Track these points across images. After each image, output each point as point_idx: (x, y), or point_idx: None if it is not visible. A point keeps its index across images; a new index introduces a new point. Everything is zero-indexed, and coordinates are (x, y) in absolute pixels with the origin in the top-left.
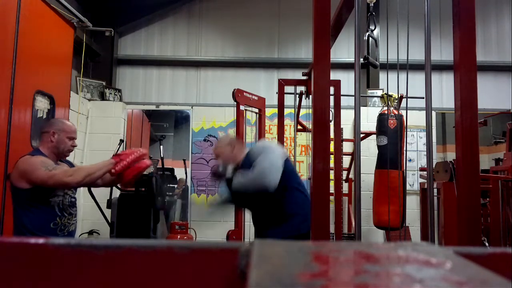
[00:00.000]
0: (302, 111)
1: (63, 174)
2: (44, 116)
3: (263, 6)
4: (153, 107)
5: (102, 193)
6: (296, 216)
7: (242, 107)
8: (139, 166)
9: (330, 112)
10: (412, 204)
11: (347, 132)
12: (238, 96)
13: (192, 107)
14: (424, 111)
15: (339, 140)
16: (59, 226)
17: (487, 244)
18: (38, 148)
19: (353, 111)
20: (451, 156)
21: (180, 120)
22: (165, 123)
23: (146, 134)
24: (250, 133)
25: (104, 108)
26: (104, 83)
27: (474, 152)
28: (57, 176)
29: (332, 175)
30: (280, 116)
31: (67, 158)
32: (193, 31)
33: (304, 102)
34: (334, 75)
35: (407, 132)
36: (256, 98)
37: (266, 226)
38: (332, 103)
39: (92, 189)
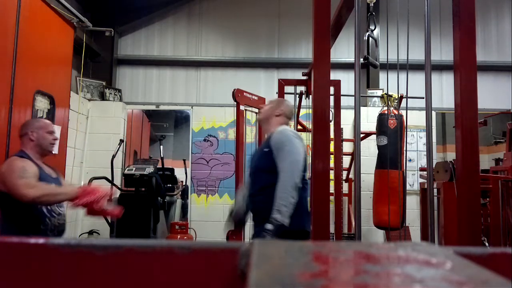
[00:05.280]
0: (302, 111)
1: (25, 184)
2: (44, 116)
3: (263, 6)
4: (153, 107)
5: None
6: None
7: (242, 107)
8: (98, 206)
9: (330, 112)
10: (412, 204)
11: (347, 132)
12: (238, 96)
13: (192, 107)
14: (424, 111)
15: (339, 140)
16: (49, 227)
17: (487, 244)
18: (22, 149)
19: (353, 111)
20: (451, 156)
21: (180, 120)
22: (165, 123)
23: (146, 134)
24: (250, 133)
25: (104, 108)
26: (104, 83)
27: (474, 152)
28: (18, 185)
29: (332, 175)
30: None
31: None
32: (193, 31)
33: (304, 102)
34: (334, 75)
35: (407, 132)
36: (256, 98)
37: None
38: (332, 103)
39: None
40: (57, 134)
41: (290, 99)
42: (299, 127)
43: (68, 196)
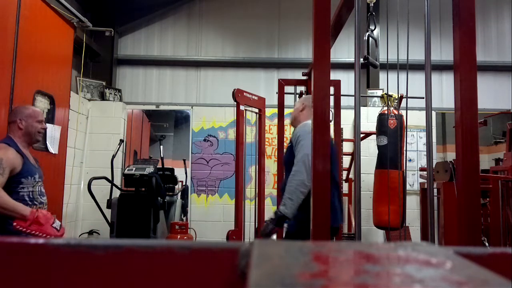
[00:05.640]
0: None
1: None
2: (44, 116)
3: (263, 6)
4: (153, 107)
5: (102, 193)
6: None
7: (242, 107)
8: (44, 231)
9: (330, 112)
10: (412, 204)
11: (347, 132)
12: (238, 96)
13: (192, 107)
14: (424, 111)
15: (339, 140)
16: None
17: (487, 244)
18: (9, 135)
19: (353, 111)
20: (451, 156)
21: (180, 120)
22: (165, 123)
23: (146, 134)
24: (250, 133)
25: (104, 108)
26: (104, 83)
27: (474, 152)
28: None
29: None
30: (280, 116)
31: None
32: (193, 31)
33: None
34: (334, 75)
35: (407, 132)
36: (256, 98)
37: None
38: (332, 103)
39: (92, 189)
40: (57, 134)
41: (290, 99)
42: None
43: (18, 215)
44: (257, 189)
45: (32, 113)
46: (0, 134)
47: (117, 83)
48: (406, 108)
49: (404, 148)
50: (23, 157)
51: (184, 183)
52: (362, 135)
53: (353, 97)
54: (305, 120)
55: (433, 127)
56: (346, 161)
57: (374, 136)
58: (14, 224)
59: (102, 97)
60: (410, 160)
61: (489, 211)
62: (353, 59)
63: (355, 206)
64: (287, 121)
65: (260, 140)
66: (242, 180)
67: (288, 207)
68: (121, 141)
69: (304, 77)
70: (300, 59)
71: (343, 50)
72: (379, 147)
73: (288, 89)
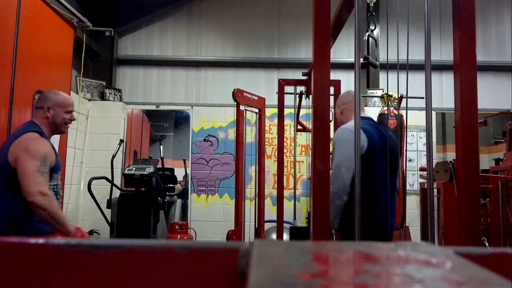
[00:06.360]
0: (302, 111)
1: (40, 185)
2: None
3: (263, 6)
4: (153, 107)
5: (102, 193)
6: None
7: (242, 107)
8: None
9: (330, 112)
10: (412, 204)
11: None
12: (238, 96)
13: (192, 107)
14: (424, 111)
15: None
16: None
17: (487, 244)
18: (35, 122)
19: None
20: (451, 156)
21: (180, 120)
22: (165, 123)
23: (146, 134)
24: (250, 133)
25: (104, 108)
26: (104, 83)
27: (474, 152)
28: (33, 181)
29: None
30: (280, 116)
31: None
32: (193, 31)
33: (304, 102)
34: (334, 75)
35: (407, 132)
36: (256, 98)
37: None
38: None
39: (92, 189)
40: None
41: (290, 99)
42: (299, 127)
43: (63, 230)
44: (257, 189)
45: (62, 101)
46: (1, 135)
47: (117, 83)
48: (406, 108)
49: (404, 148)
50: (54, 150)
51: (184, 183)
52: None
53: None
54: (347, 122)
55: (433, 127)
56: None
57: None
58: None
59: (102, 97)
60: (410, 160)
61: (489, 211)
62: (353, 59)
63: (355, 206)
64: (287, 121)
65: (260, 140)
66: (242, 180)
67: (331, 221)
68: (121, 141)
69: (304, 77)
70: (300, 59)
71: (343, 50)
72: None
73: (288, 89)
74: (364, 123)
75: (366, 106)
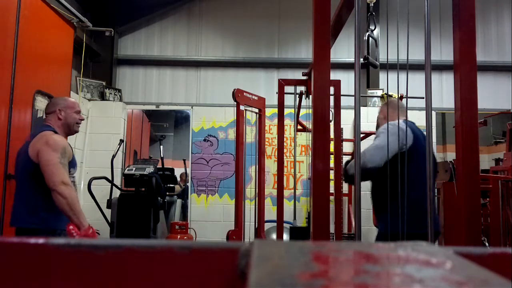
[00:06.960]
0: (302, 111)
1: (63, 175)
2: (44, 116)
3: (263, 6)
4: (153, 107)
5: (102, 193)
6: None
7: (242, 107)
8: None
9: (330, 112)
10: None
11: (347, 132)
12: (238, 96)
13: (192, 107)
14: (424, 111)
15: (339, 140)
16: None
17: (487, 244)
18: (49, 124)
19: (353, 111)
20: (451, 156)
21: (180, 120)
22: (165, 123)
23: (146, 134)
24: (250, 133)
25: (104, 108)
26: (104, 83)
27: (474, 152)
28: (56, 171)
29: (332, 175)
30: (280, 116)
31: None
32: (193, 31)
33: (304, 102)
34: (334, 75)
35: None
36: (256, 98)
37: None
38: (332, 103)
39: (92, 189)
40: None
41: (290, 99)
42: (299, 127)
43: (75, 222)
44: (257, 189)
45: (70, 104)
46: (1, 135)
47: (117, 83)
48: (406, 108)
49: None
50: (70, 146)
51: (185, 182)
52: (362, 135)
53: (353, 97)
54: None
55: (433, 127)
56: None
57: (374, 136)
58: (70, 227)
59: (102, 97)
60: None
61: (489, 211)
62: (353, 59)
63: (355, 206)
64: (287, 121)
65: (260, 140)
66: (242, 180)
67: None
68: (121, 141)
69: (304, 77)
70: (300, 59)
71: (343, 50)
72: None
73: (288, 89)
74: (409, 124)
75: (366, 106)
